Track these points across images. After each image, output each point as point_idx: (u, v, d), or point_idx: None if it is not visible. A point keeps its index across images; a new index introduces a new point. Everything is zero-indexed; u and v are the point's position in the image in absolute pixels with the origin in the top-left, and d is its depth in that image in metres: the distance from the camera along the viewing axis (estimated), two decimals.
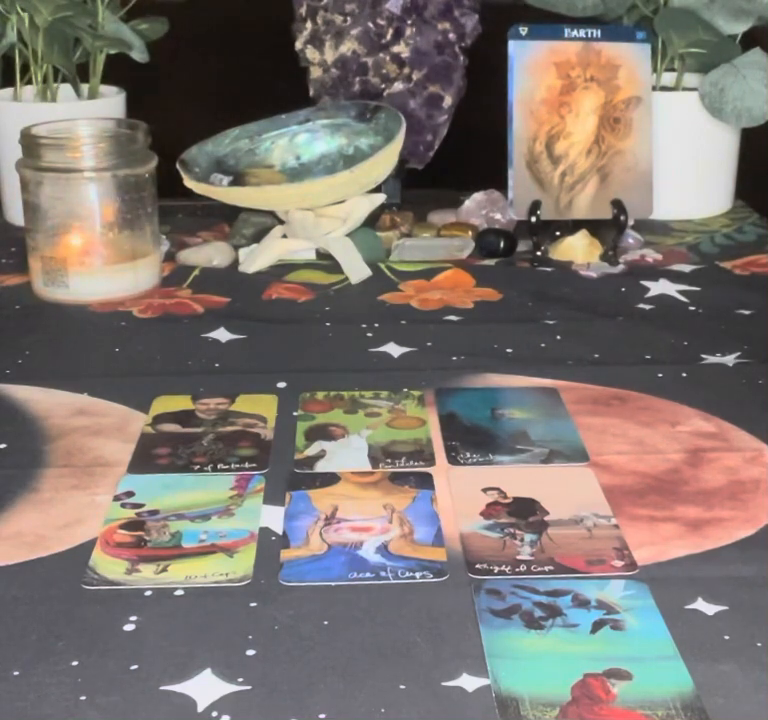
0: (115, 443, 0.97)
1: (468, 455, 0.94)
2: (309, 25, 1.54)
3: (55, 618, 0.73)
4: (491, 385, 1.07)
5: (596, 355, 1.14)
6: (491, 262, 1.39)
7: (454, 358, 1.13)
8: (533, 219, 1.39)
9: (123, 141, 1.28)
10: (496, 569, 0.78)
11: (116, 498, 0.88)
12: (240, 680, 0.68)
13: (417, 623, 0.73)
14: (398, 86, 1.52)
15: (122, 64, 1.54)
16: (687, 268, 1.38)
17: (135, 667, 0.69)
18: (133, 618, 0.73)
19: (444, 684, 0.67)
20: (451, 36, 1.51)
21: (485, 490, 0.88)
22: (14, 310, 1.26)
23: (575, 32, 1.41)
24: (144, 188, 1.28)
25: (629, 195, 1.42)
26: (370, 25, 1.50)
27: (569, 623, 0.72)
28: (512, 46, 1.40)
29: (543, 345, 1.16)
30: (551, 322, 1.22)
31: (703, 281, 1.34)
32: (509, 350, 1.15)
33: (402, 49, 1.51)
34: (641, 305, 1.27)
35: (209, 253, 1.39)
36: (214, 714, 0.65)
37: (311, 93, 1.57)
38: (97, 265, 1.27)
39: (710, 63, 1.47)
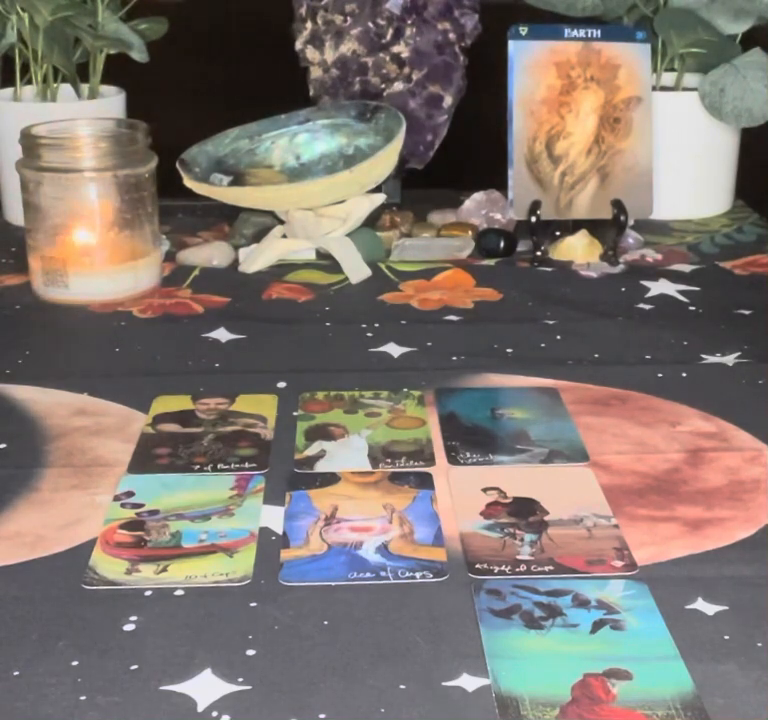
0: (115, 443, 0.97)
1: (468, 455, 0.94)
2: (309, 25, 1.54)
3: (55, 618, 0.73)
4: (491, 385, 1.07)
5: (596, 355, 1.14)
6: (491, 262, 1.39)
7: (454, 358, 1.13)
8: (533, 219, 1.39)
9: (123, 141, 1.28)
10: (496, 569, 0.78)
11: (116, 498, 0.88)
12: (240, 680, 0.68)
13: (417, 623, 0.73)
14: (398, 86, 1.52)
15: (122, 64, 1.54)
16: (687, 268, 1.38)
17: (135, 667, 0.69)
18: (133, 618, 0.73)
19: (444, 684, 0.67)
20: (451, 36, 1.51)
21: (485, 490, 0.88)
22: (14, 310, 1.26)
23: (575, 32, 1.41)
24: (144, 188, 1.28)
25: (629, 195, 1.42)
26: (370, 25, 1.50)
27: (569, 623, 0.72)
28: (512, 46, 1.40)
29: (543, 345, 1.16)
30: (551, 322, 1.22)
31: (703, 281, 1.34)
32: (509, 350, 1.15)
33: (402, 49, 1.51)
34: (641, 305, 1.27)
35: (209, 253, 1.39)
36: (214, 714, 0.65)
37: (311, 93, 1.57)
38: (97, 265, 1.27)
39: (710, 63, 1.47)
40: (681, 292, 1.30)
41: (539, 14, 1.52)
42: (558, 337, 1.18)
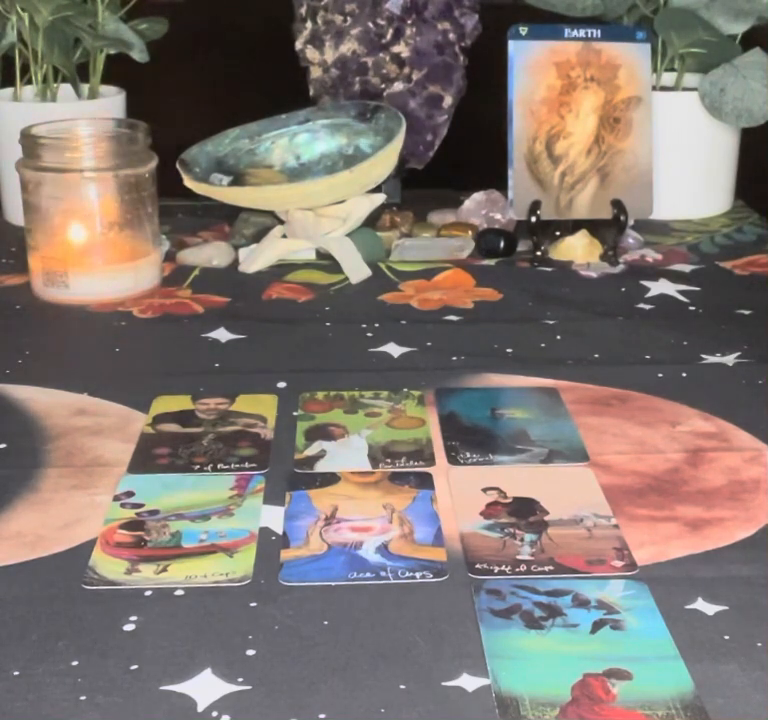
0: (115, 443, 0.97)
1: (468, 455, 0.94)
2: (309, 25, 1.54)
3: (55, 618, 0.73)
4: (491, 385, 1.07)
5: (596, 355, 1.14)
6: (491, 262, 1.39)
7: (454, 358, 1.13)
8: (533, 219, 1.39)
9: (123, 141, 1.28)
10: (496, 569, 0.78)
11: (116, 498, 0.88)
12: (240, 680, 0.68)
13: (417, 623, 0.73)
14: (398, 86, 1.52)
15: (122, 64, 1.54)
16: (687, 268, 1.38)
17: (135, 667, 0.69)
18: (133, 618, 0.73)
19: (444, 684, 0.67)
20: (451, 36, 1.51)
21: (485, 490, 0.88)
22: (14, 310, 1.26)
23: (575, 32, 1.41)
24: (144, 188, 1.28)
25: (629, 195, 1.42)
26: (370, 25, 1.50)
27: (569, 623, 0.72)
28: (512, 46, 1.40)
29: (543, 345, 1.16)
30: (551, 322, 1.22)
31: (703, 281, 1.34)
32: (509, 350, 1.15)
33: (402, 49, 1.51)
34: (641, 305, 1.27)
35: (209, 253, 1.39)
36: (214, 714, 0.65)
37: (311, 93, 1.57)
38: (97, 265, 1.27)
39: (710, 63, 1.47)
40: (681, 292, 1.30)
41: (539, 14, 1.52)
42: (558, 337, 1.18)
